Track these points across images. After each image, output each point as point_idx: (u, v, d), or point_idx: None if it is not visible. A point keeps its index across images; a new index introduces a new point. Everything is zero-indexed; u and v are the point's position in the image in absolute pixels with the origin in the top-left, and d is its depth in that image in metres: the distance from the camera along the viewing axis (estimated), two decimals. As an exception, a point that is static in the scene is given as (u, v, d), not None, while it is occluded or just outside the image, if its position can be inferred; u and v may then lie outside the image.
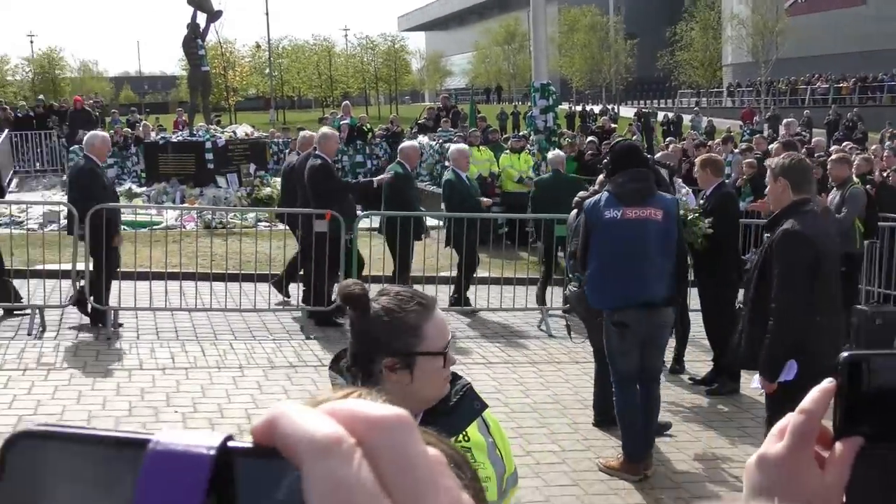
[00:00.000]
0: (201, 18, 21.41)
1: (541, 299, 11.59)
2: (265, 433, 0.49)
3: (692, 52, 57.12)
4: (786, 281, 5.36)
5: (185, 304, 10.50)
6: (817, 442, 0.78)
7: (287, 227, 11.91)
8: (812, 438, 0.77)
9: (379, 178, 10.94)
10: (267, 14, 76.34)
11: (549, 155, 12.93)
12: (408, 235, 10.84)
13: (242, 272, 11.78)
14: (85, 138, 10.61)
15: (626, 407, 6.69)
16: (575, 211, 7.87)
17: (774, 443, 0.78)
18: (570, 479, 6.60)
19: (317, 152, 10.56)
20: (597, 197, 6.77)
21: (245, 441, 0.49)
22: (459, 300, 11.33)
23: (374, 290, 2.50)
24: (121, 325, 10.16)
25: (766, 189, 5.87)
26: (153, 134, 23.06)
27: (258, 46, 73.14)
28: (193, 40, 21.00)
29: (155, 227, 13.62)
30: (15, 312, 10.42)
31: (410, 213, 10.98)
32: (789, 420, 0.78)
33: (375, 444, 0.48)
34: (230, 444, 0.48)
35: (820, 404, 0.77)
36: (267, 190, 18.52)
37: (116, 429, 0.50)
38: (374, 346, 2.39)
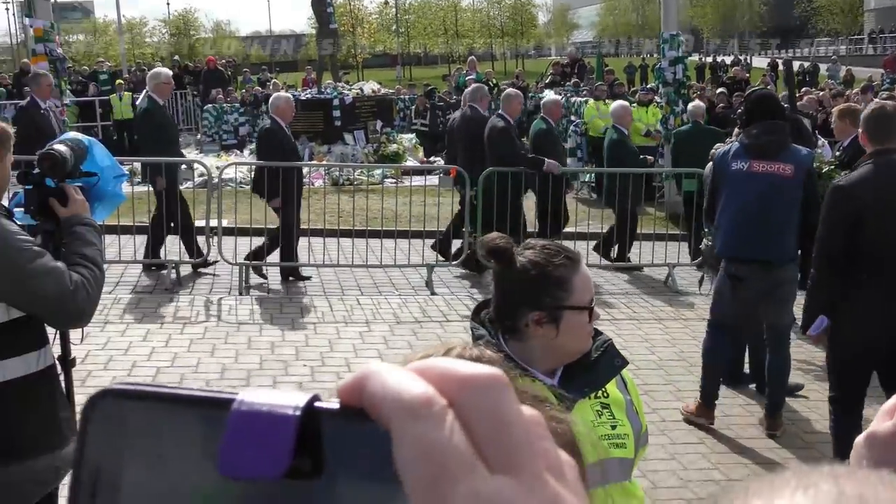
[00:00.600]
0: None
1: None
2: (353, 393, 0.47)
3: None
4: (821, 234, 5.29)
5: (312, 259, 10.70)
6: None
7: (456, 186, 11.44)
8: None
9: (549, 163, 10.53)
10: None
11: (690, 106, 12.64)
12: (559, 190, 10.74)
13: (369, 228, 11.94)
14: (270, 100, 10.80)
15: (710, 350, 6.68)
16: (710, 163, 7.71)
17: (883, 421, 0.74)
18: (696, 437, 6.52)
19: (500, 112, 10.54)
20: (727, 147, 6.67)
21: (332, 401, 0.48)
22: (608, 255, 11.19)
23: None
24: (307, 278, 10.45)
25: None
26: (282, 91, 23.45)
27: (386, 3, 73.56)
28: (322, -1, 21.23)
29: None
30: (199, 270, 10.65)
31: (564, 168, 10.83)
32: None
33: (468, 405, 0.45)
34: (316, 404, 0.47)
35: None
36: (393, 147, 18.67)
37: (214, 388, 0.49)
38: (521, 300, 2.39)
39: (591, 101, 17.19)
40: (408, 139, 19.74)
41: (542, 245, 2.44)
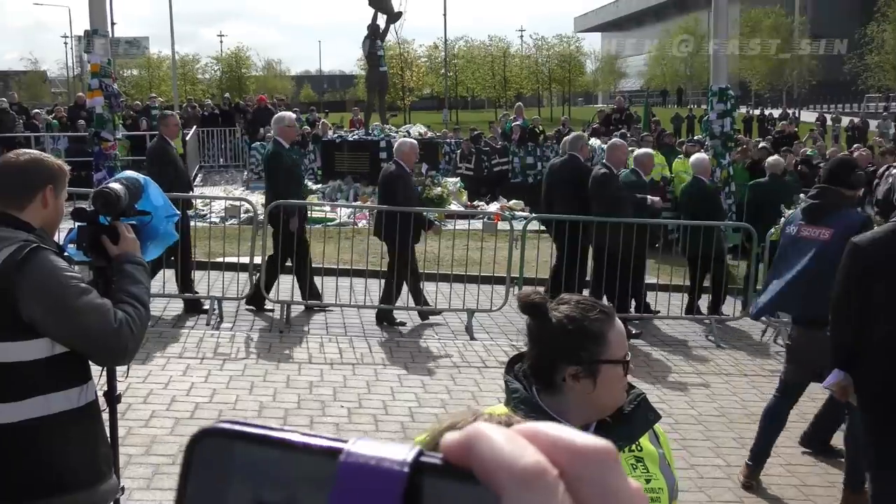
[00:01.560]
0: (381, 19, 21.91)
1: (712, 309, 11.30)
2: (461, 453, 0.47)
3: (883, 55, 54.48)
4: (837, 283, 5.20)
5: (354, 300, 10.75)
6: None
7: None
8: None
9: (652, 199, 10.69)
10: (445, 14, 77.50)
11: (769, 160, 12.53)
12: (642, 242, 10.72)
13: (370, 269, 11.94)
14: (396, 144, 11.00)
15: (769, 414, 6.66)
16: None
17: None
18: (734, 496, 6.42)
19: (604, 160, 10.76)
20: (796, 210, 6.87)
21: (437, 456, 0.48)
22: (626, 306, 11.13)
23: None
24: (402, 324, 10.55)
25: None
26: (330, 132, 23.70)
27: (435, 46, 74.26)
28: (374, 41, 21.50)
29: (329, 223, 14.00)
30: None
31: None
32: None
33: (578, 476, 0.46)
34: (423, 458, 0.47)
35: None
36: (437, 189, 18.75)
37: (306, 430, 0.49)
38: (558, 355, 2.40)
39: (682, 157, 16.73)
40: (452, 183, 19.83)
41: (577, 300, 2.46)
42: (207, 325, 10.06)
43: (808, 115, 55.03)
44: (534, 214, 11.33)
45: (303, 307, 10.71)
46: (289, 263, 10.63)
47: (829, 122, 45.32)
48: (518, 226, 11.61)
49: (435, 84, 74.77)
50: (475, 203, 19.14)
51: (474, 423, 0.49)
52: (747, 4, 71.21)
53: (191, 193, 11.70)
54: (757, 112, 52.11)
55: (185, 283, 10.67)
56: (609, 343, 2.38)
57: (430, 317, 10.85)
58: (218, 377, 8.26)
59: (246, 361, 8.81)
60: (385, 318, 10.54)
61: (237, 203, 16.37)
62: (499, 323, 10.83)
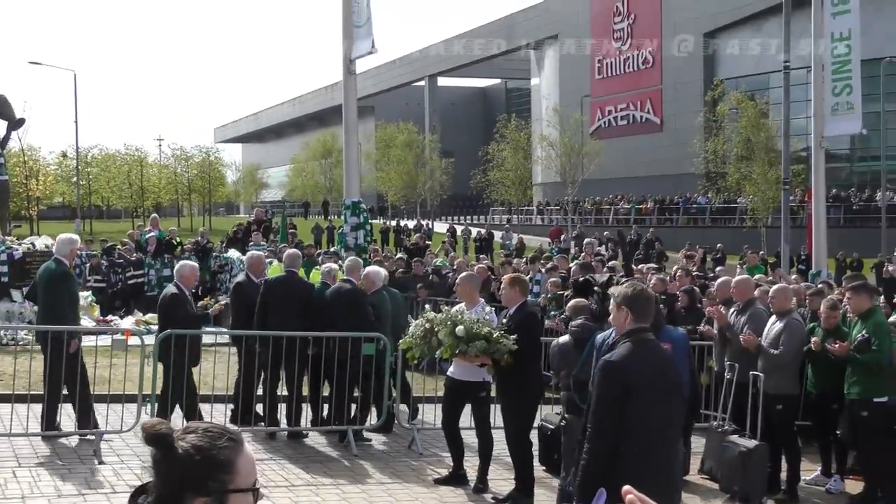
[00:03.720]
0: (1, 126, 20.66)
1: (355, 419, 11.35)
2: None
3: (504, 171, 58.98)
4: (597, 408, 5.37)
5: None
6: None
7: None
8: None
9: None
10: (76, 122, 74.66)
11: (369, 270, 12.48)
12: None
13: (32, 392, 11.08)
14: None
15: None
16: (567, 338, 8.57)
17: None
18: None
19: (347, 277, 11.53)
20: (607, 333, 6.92)
21: None
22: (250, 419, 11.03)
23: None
24: None
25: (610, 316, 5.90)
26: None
27: (65, 155, 70.96)
28: (-7, 148, 20.19)
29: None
30: None
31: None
32: None
33: None
34: None
35: None
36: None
37: None
38: (185, 487, 2.26)
39: (276, 261, 17.25)
40: (83, 297, 18.84)
41: (206, 427, 2.35)
42: None
43: (440, 226, 58.15)
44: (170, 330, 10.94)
45: None
46: None
47: (458, 233, 48.14)
48: (150, 340, 11.15)
49: (66, 193, 71.32)
50: (108, 318, 18.25)
51: None
52: (382, 120, 74.84)
53: None
54: (393, 223, 54.37)
55: None
56: (238, 471, 2.30)
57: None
58: None
59: None
60: None
61: None
62: (131, 444, 10.26)
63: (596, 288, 12.81)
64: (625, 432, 5.31)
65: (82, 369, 10.41)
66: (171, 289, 10.78)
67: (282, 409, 11.16)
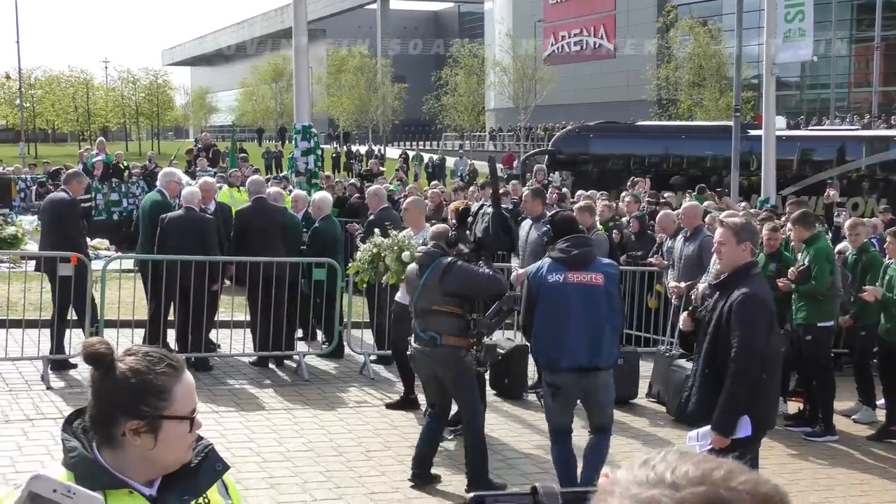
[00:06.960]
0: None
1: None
2: None
3: (457, 97, 58.55)
4: (747, 342, 5.49)
5: None
6: None
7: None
8: None
9: None
10: (18, 42, 72.71)
11: (315, 197, 12.30)
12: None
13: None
14: None
15: (559, 459, 6.89)
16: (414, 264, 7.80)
17: None
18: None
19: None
20: (540, 263, 6.94)
21: None
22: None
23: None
24: None
25: (718, 248, 5.90)
26: None
27: (8, 77, 69.18)
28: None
29: None
30: None
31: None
32: None
33: None
34: None
35: None
36: (11, 229, 17.45)
37: None
38: (118, 409, 2.26)
39: (226, 187, 17.01)
40: (28, 221, 18.57)
41: (146, 352, 2.35)
42: None
43: (393, 152, 57.81)
44: (119, 254, 10.82)
45: None
46: None
47: (411, 158, 47.88)
48: (97, 266, 11.04)
49: (10, 115, 69.72)
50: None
51: None
52: (335, 44, 73.70)
53: None
54: (345, 149, 53.91)
55: None
56: (174, 398, 2.29)
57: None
58: None
59: None
60: None
61: None
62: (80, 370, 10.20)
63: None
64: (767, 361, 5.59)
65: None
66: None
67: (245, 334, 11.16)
